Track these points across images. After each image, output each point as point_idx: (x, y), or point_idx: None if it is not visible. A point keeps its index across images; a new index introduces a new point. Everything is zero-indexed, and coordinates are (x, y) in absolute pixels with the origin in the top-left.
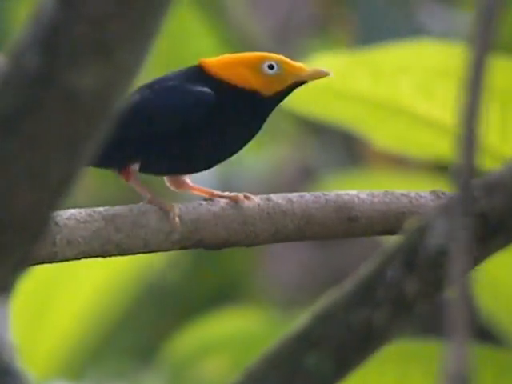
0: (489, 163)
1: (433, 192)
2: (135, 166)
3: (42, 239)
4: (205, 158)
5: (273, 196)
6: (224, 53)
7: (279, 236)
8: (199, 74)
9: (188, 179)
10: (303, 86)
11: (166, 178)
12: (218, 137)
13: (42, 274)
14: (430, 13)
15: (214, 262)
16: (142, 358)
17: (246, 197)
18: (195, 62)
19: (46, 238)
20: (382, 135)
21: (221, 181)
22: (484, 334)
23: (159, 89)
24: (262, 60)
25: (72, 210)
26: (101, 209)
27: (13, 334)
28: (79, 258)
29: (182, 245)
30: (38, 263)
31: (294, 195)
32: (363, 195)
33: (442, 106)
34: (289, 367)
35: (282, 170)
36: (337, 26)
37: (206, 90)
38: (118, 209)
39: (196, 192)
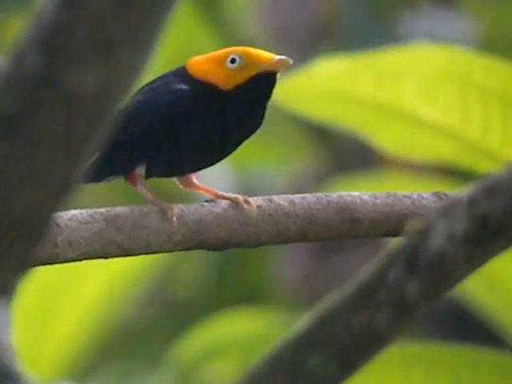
0: (490, 165)
1: (435, 194)
2: (140, 171)
3: (43, 241)
4: (198, 155)
5: (275, 197)
6: None
7: (281, 237)
8: (182, 72)
9: (195, 179)
10: (304, 88)
11: (175, 177)
12: (200, 133)
13: (47, 276)
14: (431, 17)
15: (223, 265)
16: (148, 361)
17: (245, 201)
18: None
19: (47, 239)
20: (385, 138)
21: (237, 191)
22: (488, 336)
23: (147, 90)
24: (227, 54)
25: (73, 211)
26: (102, 210)
27: (13, 337)
28: (81, 259)
29: (184, 246)
30: (39, 264)
31: (296, 197)
32: (365, 196)
33: (444, 109)
34: (291, 368)
35: (298, 180)
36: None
37: (182, 87)
38: (119, 210)
39: (202, 191)
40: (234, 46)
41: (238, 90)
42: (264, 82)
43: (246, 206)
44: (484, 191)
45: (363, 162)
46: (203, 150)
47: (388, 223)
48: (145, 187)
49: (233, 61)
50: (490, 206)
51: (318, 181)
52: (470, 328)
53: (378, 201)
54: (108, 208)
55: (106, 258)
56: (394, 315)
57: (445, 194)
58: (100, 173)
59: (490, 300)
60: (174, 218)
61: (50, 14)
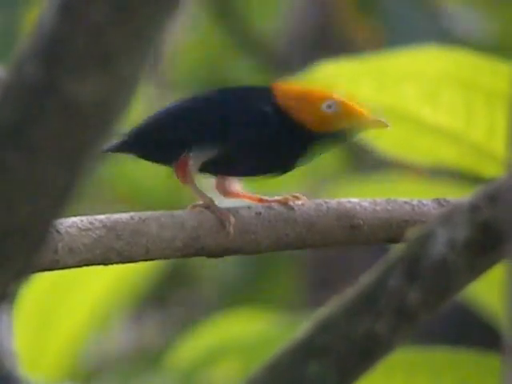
0: (494, 169)
1: (435, 200)
2: (194, 166)
3: (43, 248)
4: (253, 167)
5: (274, 204)
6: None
7: (280, 244)
8: (268, 96)
9: (237, 186)
10: None
11: (214, 184)
12: (267, 156)
13: (50, 278)
14: (453, 14)
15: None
16: (150, 362)
17: (294, 197)
18: (208, 64)
19: (47, 246)
20: (388, 141)
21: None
22: (492, 340)
23: (235, 100)
24: (324, 98)
25: (73, 218)
26: (102, 216)
27: (15, 342)
28: (81, 266)
29: (184, 252)
30: (39, 270)
31: (296, 203)
32: (365, 203)
33: (448, 112)
34: (290, 376)
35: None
36: (356, 31)
37: (272, 114)
38: (118, 216)
39: (245, 199)
40: (245, 47)
41: (326, 135)
42: (348, 133)
43: (296, 202)
44: (486, 198)
45: (373, 165)
46: (258, 166)
47: (388, 229)
48: (197, 187)
49: (329, 106)
50: (491, 213)
51: (326, 182)
52: (471, 327)
53: (378, 207)
54: (108, 215)
55: (105, 264)
56: (395, 322)
57: (445, 200)
58: (138, 149)
59: (492, 301)
60: (231, 229)
61: (49, 24)
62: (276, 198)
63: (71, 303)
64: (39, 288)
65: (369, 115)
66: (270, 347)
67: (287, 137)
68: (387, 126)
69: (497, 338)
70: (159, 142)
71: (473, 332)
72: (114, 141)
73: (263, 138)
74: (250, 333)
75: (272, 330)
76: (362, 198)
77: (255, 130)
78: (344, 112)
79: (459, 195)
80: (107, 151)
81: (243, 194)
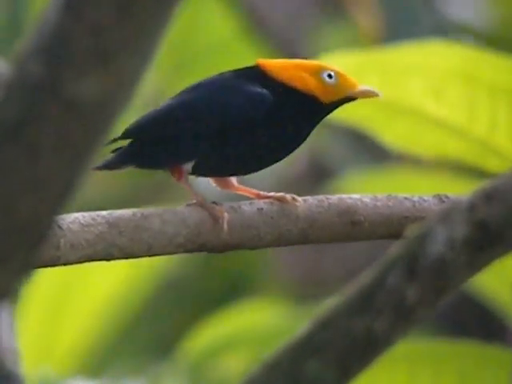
0: (496, 163)
1: (436, 196)
2: (188, 166)
3: (44, 245)
4: (257, 159)
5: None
6: (240, 41)
7: (282, 240)
8: (257, 75)
9: (234, 180)
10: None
11: (211, 178)
12: (272, 138)
13: (60, 271)
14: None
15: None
16: (160, 354)
17: (293, 199)
18: (209, 51)
19: (48, 243)
20: (391, 134)
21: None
22: (492, 331)
23: (218, 88)
24: (321, 68)
25: (76, 214)
26: (104, 212)
27: (17, 339)
28: (82, 262)
29: (186, 248)
30: (41, 267)
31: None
32: (366, 199)
33: (452, 106)
34: (290, 374)
35: (295, 165)
36: (357, 15)
37: (265, 91)
38: (121, 212)
39: (242, 193)
40: (246, 32)
41: (330, 106)
42: (343, 103)
43: (293, 203)
44: (483, 197)
45: (374, 157)
46: (266, 154)
47: (389, 226)
48: (189, 185)
49: (329, 76)
50: (488, 212)
51: (315, 165)
52: (469, 317)
53: (379, 203)
54: (110, 211)
55: (108, 260)
56: (394, 320)
57: (446, 197)
58: (133, 159)
59: (496, 288)
60: (225, 225)
61: (51, 22)
62: (273, 193)
63: (82, 296)
64: (50, 282)
65: (360, 85)
66: (281, 337)
67: (291, 111)
68: (378, 95)
69: (496, 328)
70: (156, 149)
71: (471, 321)
72: (105, 157)
73: (261, 121)
74: (261, 323)
75: (282, 321)
76: (364, 193)
77: (250, 116)
78: (342, 82)
79: (462, 190)
80: (104, 168)
81: (240, 188)
